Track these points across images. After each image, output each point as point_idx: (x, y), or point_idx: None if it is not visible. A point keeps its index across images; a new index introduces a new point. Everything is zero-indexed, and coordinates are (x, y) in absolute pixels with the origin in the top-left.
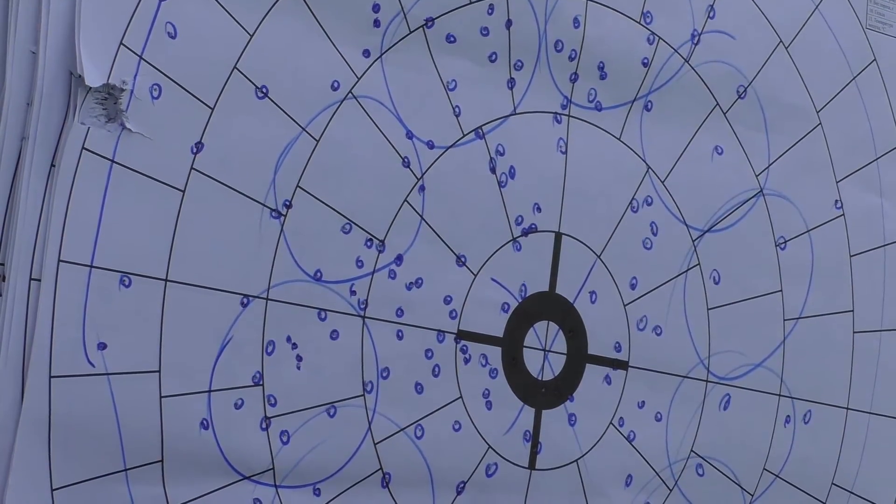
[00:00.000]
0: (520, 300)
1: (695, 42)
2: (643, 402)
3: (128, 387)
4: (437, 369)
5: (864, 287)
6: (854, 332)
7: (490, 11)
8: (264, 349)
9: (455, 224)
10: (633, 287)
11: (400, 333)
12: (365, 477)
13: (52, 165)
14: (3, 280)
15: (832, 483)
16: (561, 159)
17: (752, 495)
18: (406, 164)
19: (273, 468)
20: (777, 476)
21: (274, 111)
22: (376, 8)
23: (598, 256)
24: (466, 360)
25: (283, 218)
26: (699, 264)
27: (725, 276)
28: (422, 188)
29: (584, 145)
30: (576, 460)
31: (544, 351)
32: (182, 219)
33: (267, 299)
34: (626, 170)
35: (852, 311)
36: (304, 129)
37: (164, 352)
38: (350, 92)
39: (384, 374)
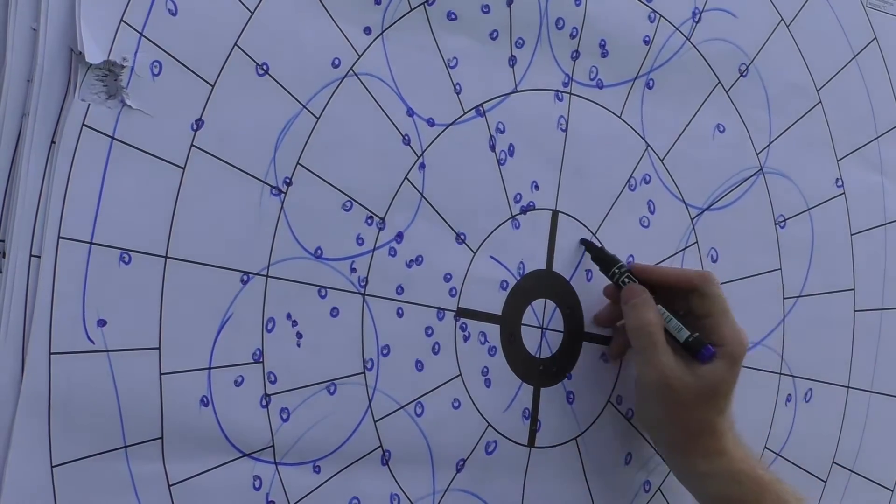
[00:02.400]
0: (518, 278)
1: (696, 20)
2: None
3: (127, 364)
4: (436, 347)
5: (864, 265)
6: (855, 311)
7: None
8: (264, 326)
9: (455, 202)
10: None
11: (400, 311)
12: (365, 454)
13: (53, 142)
14: (3, 257)
15: (833, 462)
16: (561, 137)
17: None
18: (406, 141)
19: (273, 445)
20: (778, 454)
21: (274, 88)
22: None
23: (594, 234)
24: (466, 338)
25: (283, 195)
26: (697, 242)
27: (724, 254)
28: (422, 166)
29: (585, 123)
30: (575, 438)
31: (542, 329)
32: (182, 196)
33: (267, 276)
34: (625, 148)
35: (853, 289)
36: (304, 106)
37: (164, 329)
38: (351, 69)
39: (384, 352)
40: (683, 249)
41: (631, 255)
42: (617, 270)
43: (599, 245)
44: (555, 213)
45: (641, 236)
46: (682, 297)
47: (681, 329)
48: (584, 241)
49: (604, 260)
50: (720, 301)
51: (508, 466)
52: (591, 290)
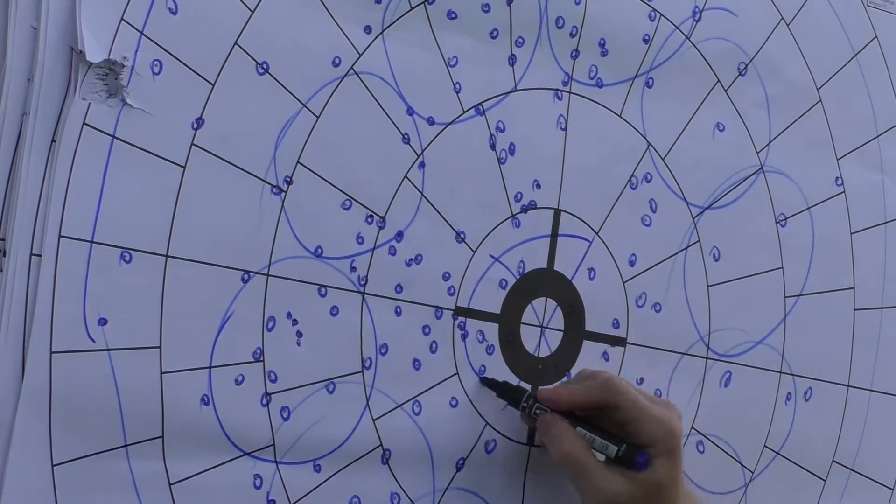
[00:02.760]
0: (518, 277)
1: (696, 19)
2: (642, 378)
3: (128, 362)
4: (434, 346)
5: (864, 264)
6: (855, 310)
7: None
8: (265, 325)
9: (455, 200)
10: (631, 264)
11: (399, 310)
12: (365, 453)
13: (53, 141)
14: (4, 256)
15: (833, 460)
16: (561, 136)
17: (753, 472)
18: (406, 140)
19: (273, 444)
20: (777, 453)
21: (275, 87)
22: None
23: (597, 233)
24: (464, 337)
25: (283, 194)
26: (699, 241)
27: (725, 253)
28: (422, 164)
29: (585, 122)
30: None
31: (541, 327)
32: (183, 195)
33: (268, 275)
34: (626, 147)
35: (853, 288)
36: (304, 105)
37: (164, 328)
38: (351, 68)
39: (383, 351)
40: (686, 248)
41: (633, 254)
42: (525, 404)
43: (501, 381)
44: (557, 212)
45: (643, 235)
46: (599, 411)
47: (606, 446)
48: (483, 380)
49: (510, 394)
50: (633, 405)
51: (508, 465)
52: (593, 288)
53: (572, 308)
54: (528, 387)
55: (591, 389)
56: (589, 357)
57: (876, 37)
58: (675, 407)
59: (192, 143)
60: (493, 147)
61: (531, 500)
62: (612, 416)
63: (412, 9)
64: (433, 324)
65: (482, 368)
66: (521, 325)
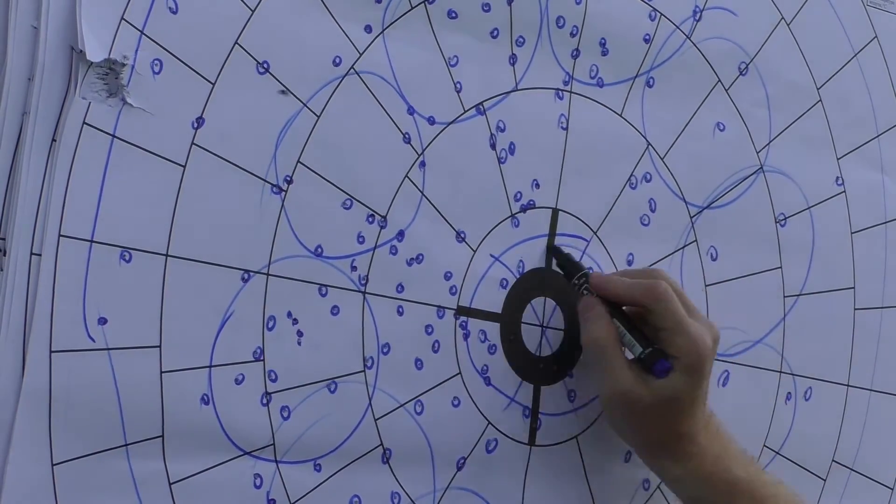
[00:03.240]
0: (518, 276)
1: (696, 18)
2: None
3: (128, 362)
4: (436, 345)
5: (865, 264)
6: (855, 309)
7: None
8: (265, 325)
9: (455, 200)
10: (629, 263)
11: (400, 309)
12: (365, 453)
13: (53, 140)
14: (4, 255)
15: (832, 460)
16: (561, 136)
17: None
18: (407, 139)
19: (274, 443)
20: (777, 453)
21: (275, 86)
22: None
23: (595, 233)
24: (466, 336)
25: (283, 193)
26: (696, 241)
27: (724, 252)
28: (422, 164)
29: (586, 122)
30: (575, 436)
31: (542, 327)
32: (183, 194)
33: (268, 275)
34: (626, 146)
35: (853, 287)
36: (305, 104)
37: (164, 327)
38: (352, 67)
39: (384, 350)
40: (683, 248)
41: (631, 254)
42: (577, 281)
43: (565, 252)
44: (555, 212)
45: (642, 234)
46: (642, 309)
47: (634, 345)
48: (551, 247)
49: (567, 267)
50: (669, 314)
51: (509, 465)
52: None
53: (572, 308)
54: (580, 265)
55: (634, 287)
56: None
57: (876, 36)
58: (715, 328)
59: (193, 143)
60: (493, 146)
61: (531, 500)
62: (650, 319)
63: (412, 8)
64: (435, 323)
65: (484, 368)
66: (522, 325)
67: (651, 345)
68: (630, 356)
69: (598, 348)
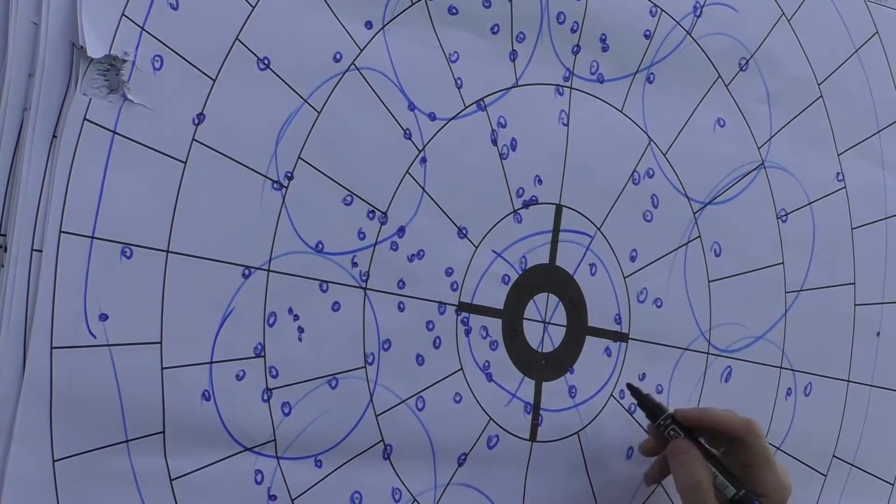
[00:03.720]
0: (520, 272)
1: (697, 14)
2: (644, 374)
3: (129, 358)
4: (437, 341)
5: (865, 260)
6: (855, 305)
7: None
8: (266, 321)
9: (456, 196)
10: (633, 259)
11: (401, 305)
12: (366, 448)
13: (54, 136)
14: (5, 251)
15: (833, 455)
16: (563, 131)
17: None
18: (408, 135)
19: (275, 440)
20: (778, 448)
21: (276, 83)
22: None
23: (599, 228)
24: (467, 332)
25: (284, 189)
26: (700, 237)
27: (726, 248)
28: (423, 160)
29: (586, 117)
30: (577, 432)
31: (544, 323)
32: (183, 190)
33: (269, 271)
34: (627, 142)
35: (854, 283)
36: (305, 100)
37: (165, 323)
38: (352, 63)
39: (385, 346)
40: (687, 243)
41: (634, 250)
42: (663, 422)
43: (645, 393)
44: (559, 208)
45: (644, 230)
46: (724, 440)
47: (727, 486)
48: (629, 386)
49: (650, 408)
50: (763, 451)
51: (510, 461)
52: (595, 283)
53: (574, 304)
54: (662, 406)
55: (730, 420)
56: (591, 353)
57: (877, 32)
58: (785, 467)
59: (193, 139)
60: (494, 142)
61: (532, 496)
62: (739, 455)
63: (413, 4)
64: (437, 319)
65: (486, 364)
66: (524, 321)
67: (743, 485)
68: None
69: (698, 493)
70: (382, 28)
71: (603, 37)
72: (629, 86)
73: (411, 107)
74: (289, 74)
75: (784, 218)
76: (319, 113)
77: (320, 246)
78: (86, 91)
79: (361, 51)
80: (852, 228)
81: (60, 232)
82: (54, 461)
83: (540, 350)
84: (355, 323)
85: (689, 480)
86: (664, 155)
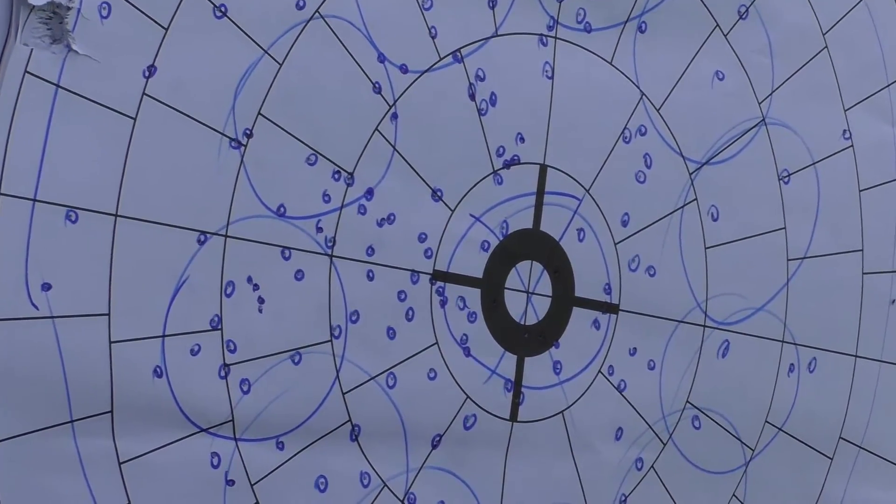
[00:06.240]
0: (501, 238)
1: None
2: (635, 348)
3: (74, 331)
4: (410, 313)
5: (874, 224)
6: (863, 273)
7: None
8: (223, 291)
9: (430, 155)
10: (624, 224)
11: (370, 274)
12: (332, 429)
13: None
14: None
15: (840, 437)
16: (547, 85)
17: (753, 450)
18: (377, 89)
19: (232, 420)
20: (780, 429)
21: (233, 32)
22: None
23: (587, 191)
24: (443, 303)
25: (243, 148)
26: (696, 199)
27: (724, 212)
28: (394, 116)
29: (572, 70)
30: (561, 412)
31: (527, 293)
32: (133, 149)
33: (226, 236)
34: (617, 97)
35: (861, 250)
36: (266, 51)
37: (113, 293)
38: (317, 11)
39: (353, 318)
40: (682, 207)
41: (626, 214)
42: None
43: None
44: (543, 168)
45: (636, 193)
46: None
47: None
48: None
49: None
50: None
51: (488, 442)
52: (582, 250)
53: (559, 272)
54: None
55: None
56: (578, 325)
57: None
58: None
59: (144, 93)
60: (472, 97)
61: (513, 481)
62: None
63: None
64: (409, 289)
65: (463, 338)
66: (506, 291)
67: None
68: None
69: None
70: None
71: None
72: (619, 35)
73: (381, 58)
74: (248, 23)
75: (786, 179)
76: (281, 65)
77: (282, 209)
78: (26, 41)
79: None
80: (860, 190)
81: None
82: None
83: (522, 322)
84: (320, 293)
85: None
86: (657, 111)
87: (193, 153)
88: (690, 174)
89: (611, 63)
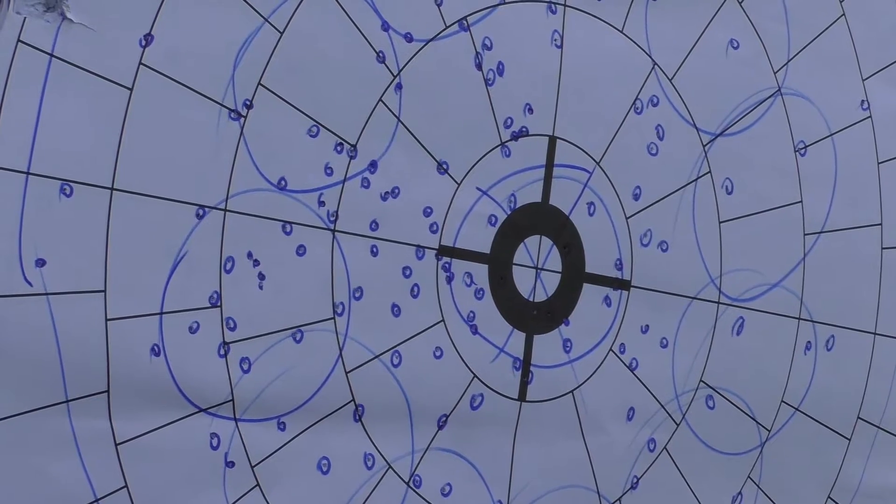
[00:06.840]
0: (509, 212)
1: None
2: (647, 326)
3: (70, 308)
4: (416, 289)
5: (893, 198)
6: (882, 248)
7: None
8: (222, 266)
9: (436, 127)
10: (636, 198)
11: (374, 249)
12: (335, 409)
13: None
14: None
15: (858, 417)
16: (556, 54)
17: (769, 430)
18: (381, 59)
19: (232, 399)
20: (797, 409)
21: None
22: None
23: (598, 163)
24: (449, 279)
25: (243, 119)
26: (710, 172)
27: (739, 185)
28: (399, 86)
29: (582, 39)
30: (571, 391)
31: (536, 269)
32: (130, 120)
33: (225, 210)
34: (629, 66)
35: (880, 224)
36: (266, 19)
37: (110, 269)
38: None
39: (357, 295)
40: (696, 180)
41: (638, 187)
42: None
43: None
44: (552, 140)
45: (649, 165)
46: None
47: None
48: None
49: None
50: None
51: (496, 423)
52: (593, 225)
53: (569, 247)
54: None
55: None
56: (589, 302)
57: None
58: None
59: (140, 63)
60: (479, 67)
61: (521, 463)
62: None
63: None
64: (414, 265)
65: (470, 315)
66: (514, 267)
67: None
68: None
69: None
70: None
71: None
72: (630, 3)
73: (385, 26)
74: None
75: (803, 151)
76: (282, 33)
77: (283, 183)
78: (20, 9)
79: None
80: (878, 163)
81: None
82: None
83: (531, 299)
84: (323, 269)
85: None
86: (670, 80)
87: (191, 125)
88: (704, 146)
89: (622, 31)
